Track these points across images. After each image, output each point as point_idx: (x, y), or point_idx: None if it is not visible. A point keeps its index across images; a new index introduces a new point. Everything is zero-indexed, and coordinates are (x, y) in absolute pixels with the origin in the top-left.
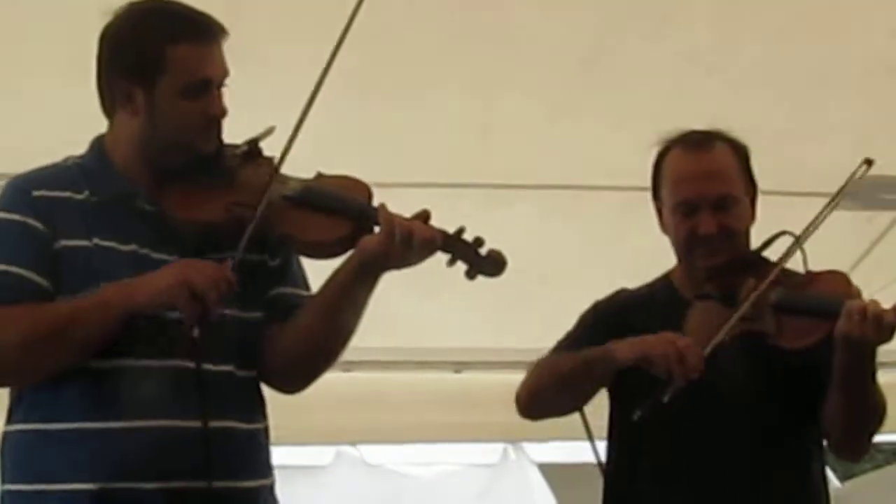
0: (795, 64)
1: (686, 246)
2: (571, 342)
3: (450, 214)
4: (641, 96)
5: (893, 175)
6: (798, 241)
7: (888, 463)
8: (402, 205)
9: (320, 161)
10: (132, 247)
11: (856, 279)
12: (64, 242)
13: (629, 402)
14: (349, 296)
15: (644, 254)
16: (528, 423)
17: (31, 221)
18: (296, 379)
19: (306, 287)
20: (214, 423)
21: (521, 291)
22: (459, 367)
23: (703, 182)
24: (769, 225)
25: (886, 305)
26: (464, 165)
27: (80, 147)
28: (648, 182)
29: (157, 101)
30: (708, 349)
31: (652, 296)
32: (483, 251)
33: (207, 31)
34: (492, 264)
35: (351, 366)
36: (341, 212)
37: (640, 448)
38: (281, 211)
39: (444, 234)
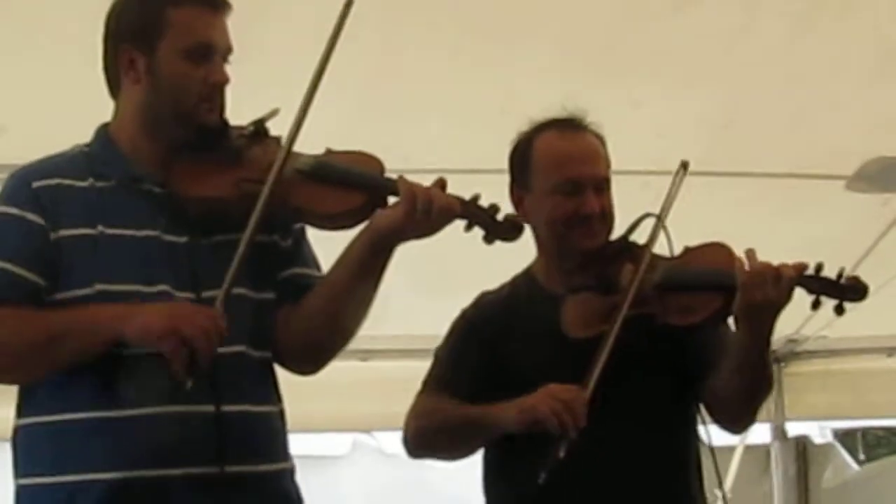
0: (812, 47)
1: (565, 226)
2: (454, 362)
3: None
4: (659, 79)
5: None
6: (660, 220)
7: None
8: None
9: (332, 145)
10: (144, 232)
11: (871, 262)
12: (65, 232)
13: (521, 457)
14: (365, 270)
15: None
16: None
17: (28, 215)
18: (311, 359)
19: (318, 268)
20: (227, 408)
21: None
22: None
23: (588, 163)
24: (788, 207)
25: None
26: (481, 151)
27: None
28: (666, 166)
29: (159, 64)
30: (592, 384)
31: (515, 294)
32: (500, 217)
33: None
34: (508, 229)
35: (367, 354)
36: (355, 184)
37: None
38: (293, 185)
39: (461, 201)
